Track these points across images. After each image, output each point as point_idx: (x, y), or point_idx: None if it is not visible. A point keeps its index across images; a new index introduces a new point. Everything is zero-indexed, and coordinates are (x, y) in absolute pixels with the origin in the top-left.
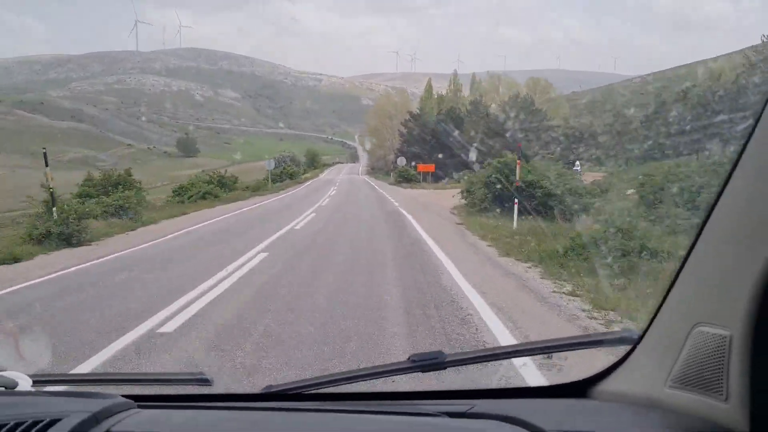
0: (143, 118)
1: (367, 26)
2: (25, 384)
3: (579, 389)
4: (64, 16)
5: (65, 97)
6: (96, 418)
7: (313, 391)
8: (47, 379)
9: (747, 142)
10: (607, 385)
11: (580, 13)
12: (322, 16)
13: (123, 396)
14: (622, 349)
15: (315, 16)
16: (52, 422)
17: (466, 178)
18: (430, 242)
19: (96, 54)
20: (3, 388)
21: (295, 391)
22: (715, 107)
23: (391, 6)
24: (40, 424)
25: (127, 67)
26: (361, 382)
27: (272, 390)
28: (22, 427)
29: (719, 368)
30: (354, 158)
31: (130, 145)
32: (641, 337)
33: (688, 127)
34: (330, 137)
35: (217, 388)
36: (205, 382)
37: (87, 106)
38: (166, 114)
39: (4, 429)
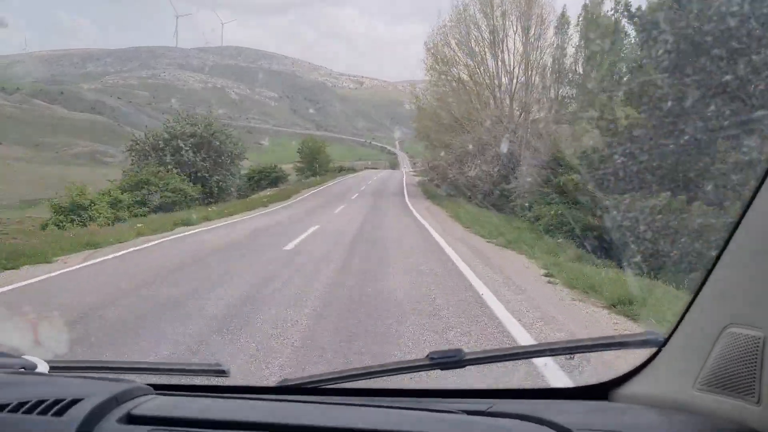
0: (168, 113)
1: (411, 33)
2: (42, 369)
3: (601, 391)
4: (109, 13)
5: (91, 89)
6: (116, 400)
7: (329, 386)
8: (64, 365)
9: None
10: (630, 388)
11: None
12: (366, 22)
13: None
14: (646, 352)
15: (360, 22)
16: (74, 401)
17: None
18: None
19: (134, 49)
20: (23, 369)
21: (311, 386)
22: None
23: (435, 13)
24: (62, 403)
25: (165, 63)
26: (379, 378)
27: (288, 383)
28: (44, 404)
29: (752, 370)
30: (394, 165)
31: None
32: (667, 340)
33: None
34: (369, 141)
35: (233, 380)
36: (222, 373)
37: (110, 99)
38: (198, 111)
39: (26, 406)
